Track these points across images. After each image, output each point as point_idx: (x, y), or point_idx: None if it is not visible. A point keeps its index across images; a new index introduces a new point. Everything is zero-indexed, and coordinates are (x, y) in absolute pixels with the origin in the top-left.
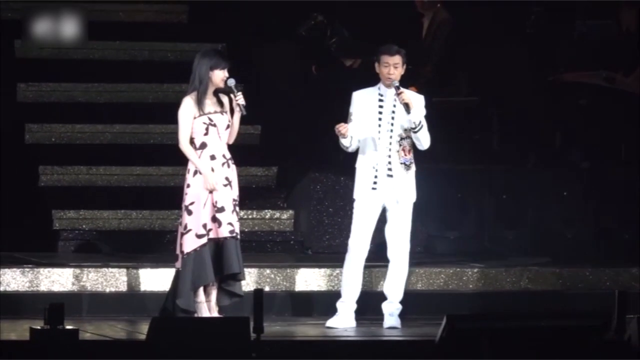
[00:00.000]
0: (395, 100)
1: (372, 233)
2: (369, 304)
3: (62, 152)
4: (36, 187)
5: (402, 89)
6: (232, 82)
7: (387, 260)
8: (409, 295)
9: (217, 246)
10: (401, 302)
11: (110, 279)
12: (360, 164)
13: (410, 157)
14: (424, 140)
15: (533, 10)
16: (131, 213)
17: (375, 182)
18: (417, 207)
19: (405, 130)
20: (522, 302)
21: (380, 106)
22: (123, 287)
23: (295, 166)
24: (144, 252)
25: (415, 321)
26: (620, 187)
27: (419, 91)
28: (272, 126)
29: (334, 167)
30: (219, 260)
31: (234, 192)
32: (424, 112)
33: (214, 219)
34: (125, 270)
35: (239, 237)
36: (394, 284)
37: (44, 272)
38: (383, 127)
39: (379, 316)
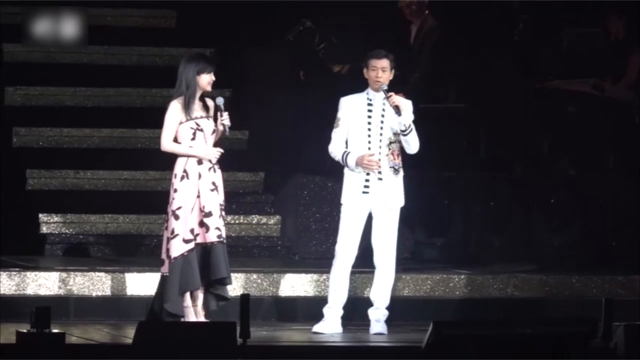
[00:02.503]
0: (384, 104)
1: (359, 238)
2: (356, 309)
3: (49, 156)
4: (23, 190)
5: (391, 92)
6: (220, 101)
7: (373, 266)
8: (396, 301)
9: (205, 251)
10: (388, 308)
11: (97, 283)
12: (350, 169)
13: (398, 161)
14: (413, 143)
15: (521, 18)
16: (118, 217)
17: (366, 186)
18: (404, 213)
19: (395, 134)
20: (508, 309)
21: (370, 110)
22: (110, 291)
23: (283, 171)
24: (130, 256)
25: (401, 327)
26: (608, 194)
27: (407, 97)
28: (260, 131)
29: (321, 173)
30: (207, 265)
31: (220, 197)
32: (412, 116)
33: (202, 224)
34: (112, 274)
35: (225, 241)
36: (381, 290)
37: (31, 275)
38: (373, 131)
39: (366, 322)
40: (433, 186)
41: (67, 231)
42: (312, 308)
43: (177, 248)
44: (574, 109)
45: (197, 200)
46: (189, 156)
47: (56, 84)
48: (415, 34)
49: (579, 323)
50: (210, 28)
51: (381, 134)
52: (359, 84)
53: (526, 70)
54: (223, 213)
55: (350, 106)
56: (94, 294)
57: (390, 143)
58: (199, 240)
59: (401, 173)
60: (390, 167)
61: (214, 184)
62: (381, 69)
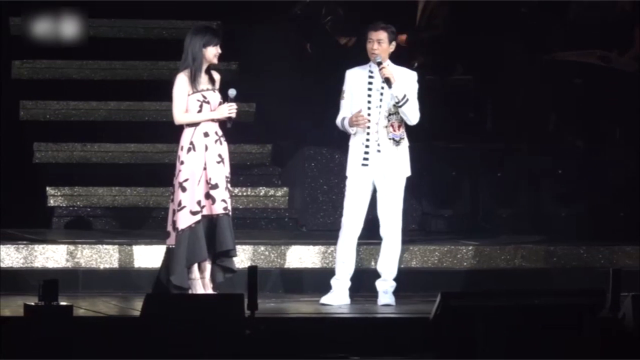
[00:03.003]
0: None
1: (366, 210)
2: (363, 281)
3: (56, 129)
4: (30, 163)
5: (385, 64)
6: (232, 93)
7: (379, 238)
8: (403, 273)
9: (211, 223)
10: (395, 280)
11: (104, 256)
12: (353, 141)
13: (400, 132)
14: (410, 114)
15: None
16: (125, 190)
17: (366, 159)
18: (411, 184)
19: (394, 105)
20: (516, 279)
21: (370, 82)
22: (117, 264)
23: (290, 144)
24: (138, 229)
25: (409, 299)
26: (615, 165)
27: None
28: (267, 104)
29: (328, 145)
30: (213, 237)
31: (227, 169)
32: (415, 87)
33: (208, 196)
34: (119, 247)
35: (230, 213)
36: (388, 262)
37: (39, 248)
38: (373, 103)
39: (373, 293)
40: (441, 158)
41: (74, 204)
42: (320, 280)
43: (184, 220)
44: (581, 81)
45: (203, 172)
46: (202, 122)
47: (63, 57)
48: (422, 8)
49: (586, 294)
50: (217, 0)
51: (380, 106)
52: (366, 56)
53: (533, 42)
54: (229, 185)
55: (353, 78)
56: (101, 267)
57: (390, 114)
58: (205, 212)
59: (404, 144)
60: (390, 138)
61: (220, 156)
62: (377, 41)
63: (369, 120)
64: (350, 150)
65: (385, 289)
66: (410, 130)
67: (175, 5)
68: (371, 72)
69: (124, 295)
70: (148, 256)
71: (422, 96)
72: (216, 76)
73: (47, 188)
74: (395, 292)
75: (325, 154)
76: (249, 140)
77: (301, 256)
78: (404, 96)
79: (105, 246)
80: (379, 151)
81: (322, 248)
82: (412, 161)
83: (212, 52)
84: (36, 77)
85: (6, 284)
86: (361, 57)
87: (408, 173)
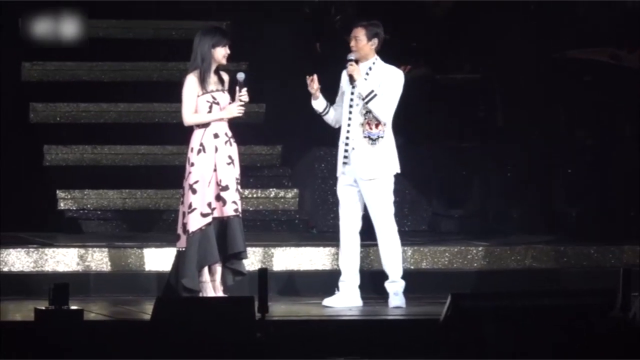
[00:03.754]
0: (367, 74)
1: (360, 208)
2: (375, 282)
3: (66, 131)
4: (41, 166)
5: (352, 62)
6: (241, 77)
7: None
8: (414, 274)
9: (221, 225)
10: (404, 278)
11: (115, 259)
12: (339, 139)
13: (377, 131)
14: (377, 112)
15: None
16: (136, 192)
17: (345, 157)
18: (421, 185)
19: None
20: (526, 280)
21: (351, 80)
22: (128, 267)
23: (300, 145)
24: (149, 232)
25: (419, 300)
26: (625, 164)
27: (422, 67)
28: (277, 105)
29: (338, 146)
30: (223, 239)
31: (237, 170)
32: (392, 85)
33: (218, 198)
34: (130, 250)
35: (241, 215)
36: (389, 262)
37: (49, 252)
38: (354, 100)
39: (384, 295)
40: (450, 157)
41: (84, 207)
42: (331, 281)
43: (195, 222)
44: (591, 78)
45: (214, 174)
46: (211, 122)
47: (73, 59)
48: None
49: (597, 294)
50: (226, 0)
51: (357, 104)
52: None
53: (543, 39)
54: (239, 187)
55: (344, 77)
56: (112, 270)
57: (367, 112)
58: (216, 214)
59: (382, 142)
60: (365, 136)
61: (230, 157)
62: (354, 38)
63: (314, 82)
64: (338, 150)
65: (395, 290)
66: (417, 129)
67: (185, 5)
68: None
69: (135, 299)
70: (159, 259)
71: (430, 95)
72: (225, 77)
73: (58, 191)
74: (406, 293)
75: (335, 155)
76: (258, 141)
77: (312, 258)
78: (370, 93)
79: (115, 249)
80: (354, 149)
81: (333, 250)
82: (421, 161)
83: (221, 53)
84: (46, 79)
85: (17, 288)
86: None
87: (391, 171)
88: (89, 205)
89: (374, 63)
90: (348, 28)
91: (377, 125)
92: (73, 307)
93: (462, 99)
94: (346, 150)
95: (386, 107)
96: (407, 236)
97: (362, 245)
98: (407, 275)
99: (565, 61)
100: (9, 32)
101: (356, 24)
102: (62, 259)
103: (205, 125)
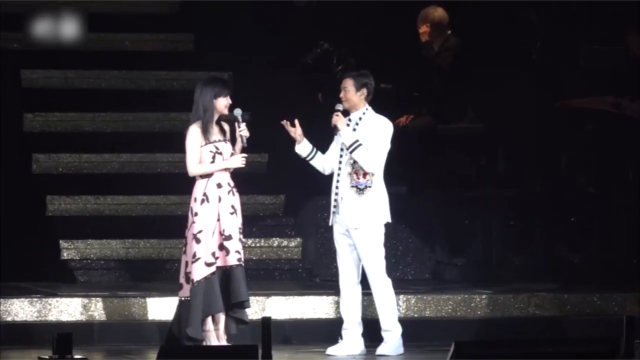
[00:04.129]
0: (357, 124)
1: (357, 257)
2: (377, 329)
3: (69, 182)
4: (44, 216)
5: (338, 112)
6: (238, 112)
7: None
8: (418, 322)
9: (224, 274)
10: (408, 326)
11: (118, 308)
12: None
13: (365, 181)
14: (362, 161)
15: (538, 36)
16: (139, 242)
17: (335, 206)
18: (424, 233)
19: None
20: (530, 328)
21: (334, 130)
22: (131, 316)
23: (303, 194)
24: (152, 281)
25: (423, 348)
26: (627, 211)
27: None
28: (279, 154)
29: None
30: (227, 288)
31: (239, 220)
32: (378, 135)
33: (222, 247)
34: (133, 299)
35: (243, 264)
36: (381, 310)
37: (52, 301)
38: (344, 151)
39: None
40: (452, 205)
41: (87, 257)
42: (334, 330)
43: (200, 271)
44: (592, 127)
45: (217, 223)
46: (215, 173)
47: (75, 109)
48: (437, 51)
49: (600, 341)
50: (227, 52)
51: (346, 154)
52: (376, 105)
53: (544, 88)
54: (242, 236)
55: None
56: (115, 320)
57: (355, 162)
58: (220, 263)
59: (371, 192)
60: (353, 186)
61: (233, 207)
62: (343, 88)
63: (295, 128)
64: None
65: (386, 338)
66: (422, 179)
67: (186, 56)
68: (349, 120)
69: (138, 348)
70: (162, 308)
71: (433, 144)
72: (226, 127)
73: (61, 241)
74: (408, 341)
75: None
76: (261, 190)
77: (315, 307)
78: (353, 143)
79: (119, 299)
80: (342, 198)
81: (336, 298)
82: (424, 210)
83: (223, 103)
84: (48, 130)
85: (20, 337)
86: (373, 106)
87: (380, 220)
88: (92, 255)
89: (364, 113)
90: None
91: (364, 175)
92: (77, 357)
93: (464, 147)
94: (335, 200)
95: (371, 157)
96: (411, 284)
97: (364, 294)
98: (410, 323)
99: (566, 110)
100: (11, 83)
101: (345, 74)
102: (66, 309)
103: (208, 175)
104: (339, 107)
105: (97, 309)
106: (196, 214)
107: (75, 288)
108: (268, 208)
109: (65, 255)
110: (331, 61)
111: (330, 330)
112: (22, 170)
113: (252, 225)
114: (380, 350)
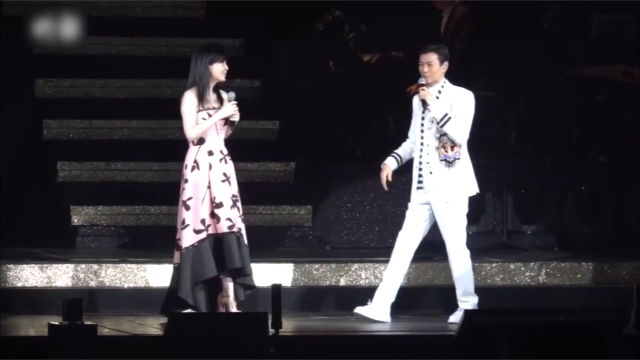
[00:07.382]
0: (437, 97)
1: (425, 230)
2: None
3: (80, 148)
4: (54, 183)
5: (424, 87)
6: (232, 96)
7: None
8: (427, 290)
9: (217, 241)
10: (417, 295)
11: (128, 275)
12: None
13: (453, 153)
14: (453, 134)
15: (550, 5)
16: (149, 209)
17: (420, 181)
18: None
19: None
20: (540, 297)
21: (423, 105)
22: (141, 283)
23: (313, 161)
24: (162, 248)
25: (433, 316)
26: (638, 181)
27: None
28: (290, 122)
29: (351, 162)
30: (220, 255)
31: (233, 188)
32: (464, 106)
33: (213, 215)
34: (143, 265)
35: (242, 232)
36: (456, 281)
37: (62, 268)
38: (425, 125)
39: (412, 312)
40: None
41: (98, 223)
42: (344, 298)
43: (188, 238)
44: (604, 96)
45: (207, 190)
46: (208, 139)
47: (86, 75)
48: (446, 23)
49: (611, 311)
50: (239, 18)
51: (430, 128)
52: (389, 73)
53: (555, 57)
54: (238, 204)
55: (415, 102)
56: (125, 286)
57: (441, 136)
58: (211, 230)
59: (459, 164)
60: (442, 159)
61: (224, 174)
62: (427, 64)
63: (388, 181)
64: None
65: (462, 307)
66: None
67: (198, 23)
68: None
69: (148, 314)
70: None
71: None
72: (224, 95)
73: (71, 207)
74: (418, 310)
75: (349, 171)
76: (272, 158)
77: (325, 274)
78: (444, 116)
79: (129, 265)
80: (431, 173)
81: (346, 266)
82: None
83: (219, 69)
84: (59, 96)
85: (30, 304)
86: (384, 74)
87: (468, 193)
88: (102, 222)
89: (442, 86)
90: (361, 45)
91: (452, 148)
92: (87, 323)
93: (475, 117)
94: (420, 176)
95: (461, 128)
96: (422, 252)
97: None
98: (421, 291)
99: (577, 79)
100: (21, 48)
101: (425, 48)
102: (76, 275)
103: (201, 142)
104: (422, 81)
105: (107, 275)
106: (186, 181)
107: (86, 254)
108: (278, 175)
109: (75, 221)
110: (343, 29)
111: (339, 298)
112: (33, 136)
113: (262, 192)
114: (453, 318)
